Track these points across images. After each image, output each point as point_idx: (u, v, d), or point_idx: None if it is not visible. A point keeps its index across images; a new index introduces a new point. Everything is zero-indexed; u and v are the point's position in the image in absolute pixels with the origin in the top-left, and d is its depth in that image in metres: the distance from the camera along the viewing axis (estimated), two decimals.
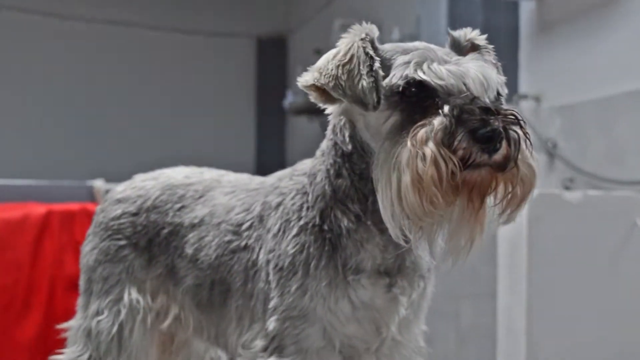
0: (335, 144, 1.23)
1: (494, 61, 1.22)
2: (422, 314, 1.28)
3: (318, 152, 1.28)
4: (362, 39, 1.15)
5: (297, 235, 1.19)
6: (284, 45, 7.42)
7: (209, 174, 1.42)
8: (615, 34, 3.20)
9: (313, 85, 1.17)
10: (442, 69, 1.08)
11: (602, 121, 3.19)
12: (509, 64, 3.60)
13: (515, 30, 3.86)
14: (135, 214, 1.39)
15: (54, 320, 2.96)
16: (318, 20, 6.48)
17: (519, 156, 1.05)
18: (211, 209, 1.33)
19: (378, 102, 1.11)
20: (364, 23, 1.19)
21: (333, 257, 1.16)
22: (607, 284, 2.24)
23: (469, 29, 1.23)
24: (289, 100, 6.18)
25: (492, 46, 1.24)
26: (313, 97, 1.21)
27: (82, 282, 1.42)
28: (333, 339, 1.17)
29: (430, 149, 1.03)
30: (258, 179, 1.36)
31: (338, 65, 1.14)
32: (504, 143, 1.04)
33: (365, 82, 1.11)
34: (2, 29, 6.58)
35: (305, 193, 1.23)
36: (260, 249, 1.23)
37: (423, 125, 1.05)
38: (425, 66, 1.08)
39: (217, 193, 1.35)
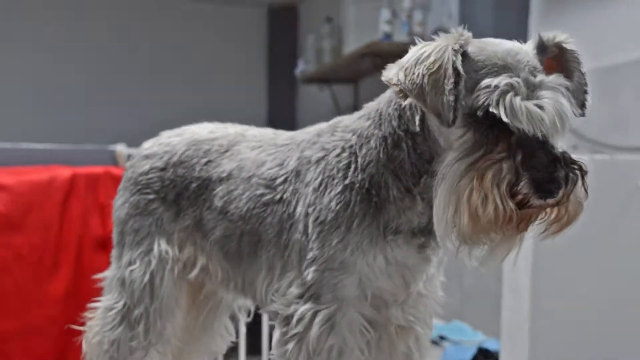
0: (401, 117, 1.22)
1: (581, 69, 1.24)
2: (442, 267, 1.31)
3: (373, 114, 1.27)
4: (454, 51, 1.12)
5: (341, 193, 1.20)
6: (295, 14, 7.37)
7: (232, 128, 1.44)
8: (621, 4, 3.20)
9: (395, 84, 1.16)
10: (523, 108, 1.06)
11: (606, 89, 3.18)
12: (519, 34, 3.59)
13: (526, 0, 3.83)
14: (162, 169, 1.42)
15: (83, 277, 3.06)
16: None
17: (572, 191, 1.08)
18: (239, 163, 1.35)
19: (454, 121, 1.10)
20: (459, 29, 1.16)
21: (376, 218, 1.19)
22: (609, 244, 2.27)
23: (559, 32, 1.21)
24: (300, 68, 6.14)
25: (578, 53, 1.24)
26: (394, 91, 1.20)
27: (115, 235, 1.45)
28: (366, 290, 1.21)
29: (493, 195, 1.05)
30: (284, 134, 1.37)
31: (424, 75, 1.11)
32: (563, 187, 1.07)
33: (445, 99, 1.09)
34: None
35: (353, 153, 1.23)
36: (297, 202, 1.25)
37: (491, 164, 1.07)
38: (508, 100, 1.07)
39: (243, 147, 1.37)
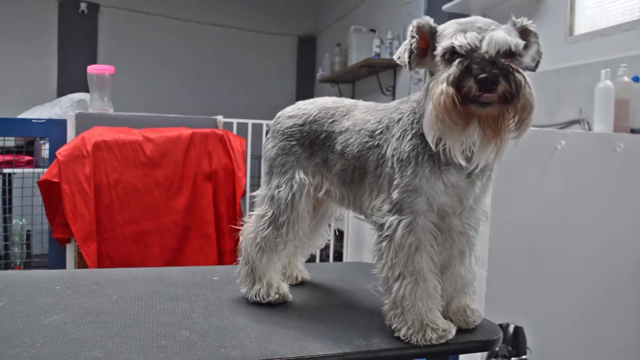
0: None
1: (539, 43, 1.06)
2: (488, 191, 1.18)
3: (423, 87, 1.12)
4: (412, 27, 1.03)
5: (411, 139, 1.08)
6: (315, 42, 7.25)
7: (347, 101, 1.30)
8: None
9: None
10: (466, 35, 0.94)
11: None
12: None
13: None
14: (301, 125, 1.28)
15: (196, 197, 2.97)
16: (338, 25, 6.33)
17: (520, 92, 0.92)
18: (353, 121, 1.22)
19: (410, 66, 1.03)
20: (424, 17, 1.05)
21: (432, 155, 1.06)
22: (540, 183, 2.18)
23: (526, 19, 1.06)
24: (319, 74, 6.07)
25: (537, 32, 1.07)
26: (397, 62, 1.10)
27: (265, 167, 1.31)
28: (433, 205, 1.08)
29: (441, 87, 0.93)
30: (382, 104, 1.25)
31: (403, 47, 1.05)
32: (503, 83, 0.91)
33: (405, 55, 1.02)
34: (155, 29, 6.65)
35: (415, 113, 1.11)
36: (387, 147, 1.13)
37: (448, 74, 0.94)
38: (458, 35, 0.95)
39: (357, 112, 1.24)
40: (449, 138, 0.98)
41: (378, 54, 4.70)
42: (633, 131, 2.40)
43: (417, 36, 1.03)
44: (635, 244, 2.27)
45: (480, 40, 0.94)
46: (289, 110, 1.34)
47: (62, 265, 2.88)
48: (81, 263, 2.78)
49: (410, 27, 1.04)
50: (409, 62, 1.03)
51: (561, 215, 2.19)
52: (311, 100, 1.34)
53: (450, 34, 0.98)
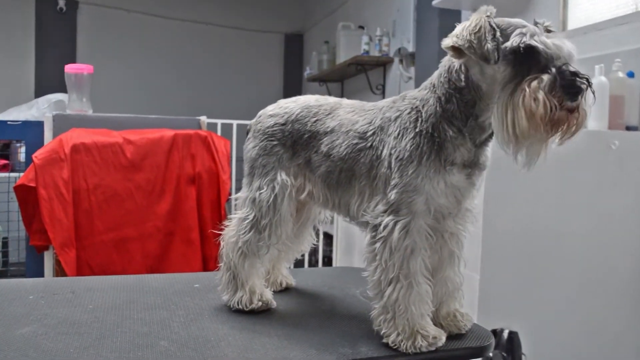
0: (449, 80, 1.08)
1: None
2: (479, 191, 1.18)
3: (428, 84, 1.13)
4: (487, 16, 1.00)
5: (413, 137, 1.08)
6: (302, 39, 7.26)
7: (331, 99, 1.29)
8: None
9: (452, 46, 1.03)
10: (549, 40, 0.96)
11: None
12: None
13: None
14: (283, 124, 1.26)
15: (179, 201, 2.95)
16: (326, 22, 6.33)
17: (582, 104, 0.95)
18: (339, 122, 1.20)
19: (497, 59, 0.98)
20: (485, 6, 1.03)
21: (438, 154, 1.06)
22: (534, 183, 2.17)
23: (546, 20, 1.06)
24: (307, 72, 6.08)
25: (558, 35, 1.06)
26: (450, 54, 1.06)
27: (246, 168, 1.30)
28: (430, 206, 1.08)
29: (541, 95, 0.93)
30: (369, 103, 1.23)
31: (470, 33, 0.99)
32: (582, 94, 0.95)
33: (489, 45, 0.98)
34: (136, 26, 6.65)
35: (419, 111, 1.10)
36: (383, 147, 1.12)
37: (535, 78, 0.95)
38: (537, 37, 0.96)
39: (341, 112, 1.22)
40: (533, 146, 0.99)
41: (367, 51, 4.70)
42: (628, 128, 2.40)
43: (497, 28, 1.00)
44: (632, 243, 2.27)
45: (560, 50, 0.96)
46: (270, 108, 1.32)
47: (40, 274, 2.85)
48: (60, 271, 2.75)
49: (488, 15, 1.01)
50: (497, 57, 0.98)
51: (555, 215, 2.19)
52: (294, 98, 1.32)
53: (520, 33, 0.98)
